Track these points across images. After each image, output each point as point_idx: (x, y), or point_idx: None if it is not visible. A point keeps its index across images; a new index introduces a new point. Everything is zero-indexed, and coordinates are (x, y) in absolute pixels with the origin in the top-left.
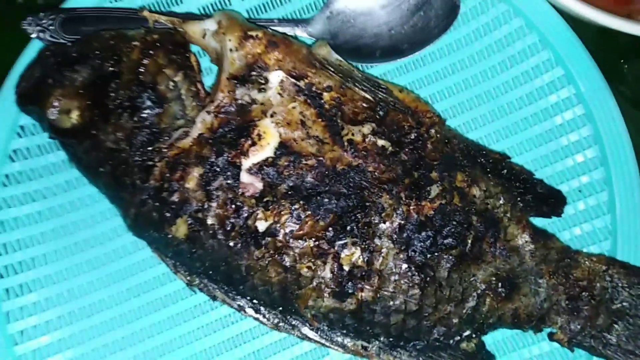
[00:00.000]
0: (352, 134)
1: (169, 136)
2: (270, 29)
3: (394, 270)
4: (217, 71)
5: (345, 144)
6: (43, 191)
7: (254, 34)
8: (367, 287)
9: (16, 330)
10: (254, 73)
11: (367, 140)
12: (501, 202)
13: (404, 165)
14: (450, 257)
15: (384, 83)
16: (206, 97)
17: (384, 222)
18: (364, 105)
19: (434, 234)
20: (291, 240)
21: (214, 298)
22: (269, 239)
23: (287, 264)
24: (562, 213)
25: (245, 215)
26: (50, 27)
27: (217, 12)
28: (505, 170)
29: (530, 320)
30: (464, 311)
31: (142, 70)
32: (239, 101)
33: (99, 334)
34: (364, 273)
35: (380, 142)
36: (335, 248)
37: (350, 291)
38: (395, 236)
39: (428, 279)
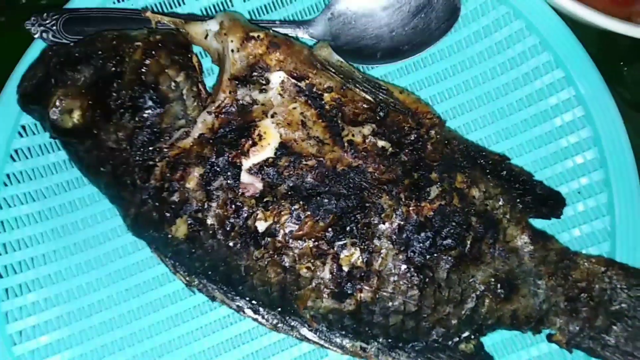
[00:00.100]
0: (353, 135)
1: (170, 136)
2: (272, 30)
3: (393, 271)
4: (218, 72)
5: (346, 144)
6: (44, 191)
7: (255, 35)
8: (366, 287)
9: (15, 330)
10: (255, 74)
11: (367, 141)
12: (501, 203)
13: (403, 166)
14: (450, 258)
15: (384, 84)
16: (207, 97)
17: (384, 223)
18: (365, 106)
19: (433, 235)
20: (291, 241)
21: (213, 299)
22: (269, 239)
23: (287, 264)
24: (562, 214)
25: (245, 215)
26: (53, 28)
27: (219, 13)
28: (504, 172)
29: (529, 321)
30: (463, 312)
31: (144, 70)
32: (240, 102)
33: (98, 335)
34: (363, 274)
35: (381, 143)
36: (335, 249)
37: (349, 292)
38: (394, 237)
39: (427, 279)
